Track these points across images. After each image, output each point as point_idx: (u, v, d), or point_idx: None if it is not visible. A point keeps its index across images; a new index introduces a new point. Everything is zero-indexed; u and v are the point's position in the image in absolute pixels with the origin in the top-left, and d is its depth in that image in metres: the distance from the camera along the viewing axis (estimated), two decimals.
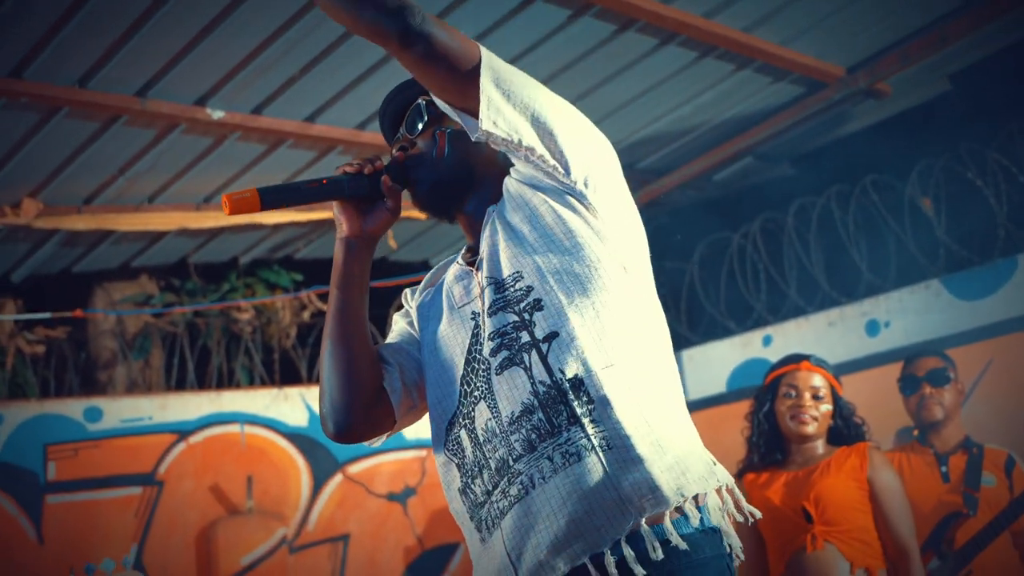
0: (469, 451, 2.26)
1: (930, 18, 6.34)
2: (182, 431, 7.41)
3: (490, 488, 2.21)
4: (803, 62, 6.52)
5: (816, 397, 4.53)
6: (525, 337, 2.20)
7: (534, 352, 2.18)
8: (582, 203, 2.31)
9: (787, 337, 7.19)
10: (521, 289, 2.24)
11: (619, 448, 2.10)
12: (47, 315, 7.25)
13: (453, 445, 2.31)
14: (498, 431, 2.19)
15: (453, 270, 2.47)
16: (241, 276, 8.60)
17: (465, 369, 2.29)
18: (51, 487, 7.06)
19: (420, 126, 2.46)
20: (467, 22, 5.67)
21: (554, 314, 2.19)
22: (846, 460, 4.43)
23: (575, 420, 2.12)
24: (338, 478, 7.63)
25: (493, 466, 2.20)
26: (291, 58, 5.83)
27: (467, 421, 2.27)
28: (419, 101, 2.47)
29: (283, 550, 7.29)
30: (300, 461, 7.57)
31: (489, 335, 2.25)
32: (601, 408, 2.12)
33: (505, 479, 2.17)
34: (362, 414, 2.38)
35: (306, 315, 8.57)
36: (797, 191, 7.69)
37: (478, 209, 2.44)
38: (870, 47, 6.59)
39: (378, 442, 2.51)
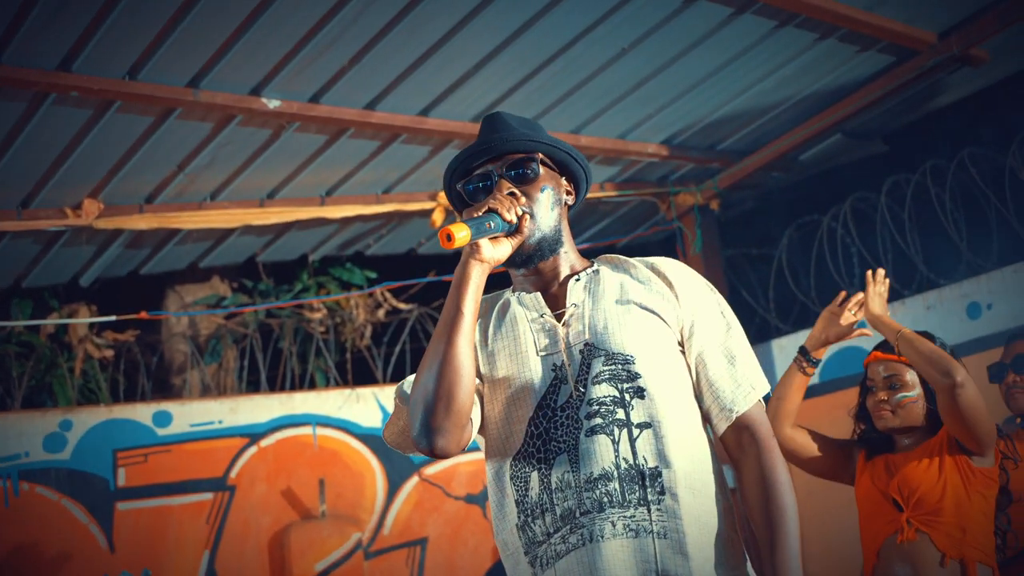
0: (535, 492, 2.50)
1: None
2: (253, 434, 7.24)
3: (551, 531, 2.47)
4: (891, 28, 6.10)
5: (893, 387, 4.16)
6: (620, 415, 2.49)
7: (625, 432, 2.48)
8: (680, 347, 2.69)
9: None
10: (630, 372, 2.53)
11: (673, 541, 2.43)
12: (112, 318, 7.10)
13: (518, 482, 2.53)
14: (573, 484, 2.46)
15: (520, 313, 2.69)
16: (313, 275, 8.42)
17: (536, 413, 2.55)
18: (121, 493, 6.95)
19: (532, 177, 2.67)
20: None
21: (653, 408, 2.51)
22: (935, 442, 4.07)
23: (644, 502, 2.44)
24: (414, 480, 7.39)
25: (559, 513, 2.47)
26: (346, 41, 5.58)
27: (542, 466, 2.50)
28: (537, 155, 2.68)
29: (358, 555, 7.07)
30: (375, 463, 7.36)
31: (588, 400, 2.51)
32: (669, 501, 2.45)
33: (568, 527, 2.45)
34: (458, 436, 2.50)
35: (381, 313, 8.36)
36: (890, 168, 7.31)
37: (559, 269, 2.72)
38: (963, 9, 6.15)
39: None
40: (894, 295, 6.97)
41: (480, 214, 2.50)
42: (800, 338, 7.42)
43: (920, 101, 7.08)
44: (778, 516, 2.49)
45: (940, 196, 6.82)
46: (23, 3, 4.91)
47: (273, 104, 5.98)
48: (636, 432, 2.48)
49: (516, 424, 2.56)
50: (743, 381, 2.64)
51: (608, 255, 2.82)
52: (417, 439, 2.49)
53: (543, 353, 2.60)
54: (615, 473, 2.44)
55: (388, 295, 8.37)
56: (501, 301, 2.75)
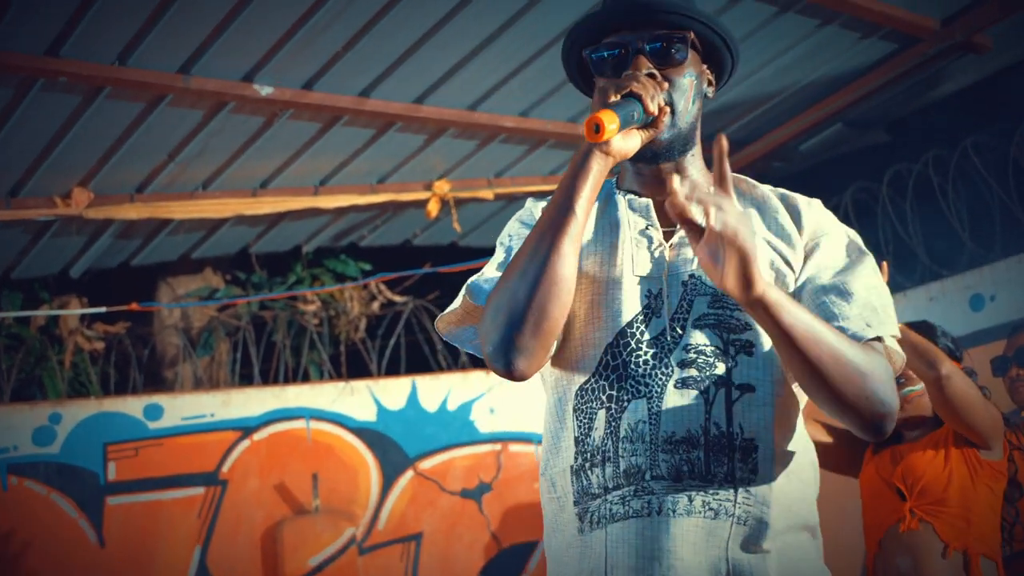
0: (599, 434, 2.10)
1: None
2: (245, 428, 7.13)
3: (609, 486, 2.07)
4: (893, 15, 6.00)
5: (898, 381, 4.05)
6: (720, 370, 2.08)
7: (723, 392, 2.07)
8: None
9: None
10: (740, 321, 2.11)
11: (752, 530, 2.04)
12: (102, 309, 7.02)
13: (582, 416, 2.13)
14: (648, 439, 2.06)
15: (626, 218, 2.23)
16: (307, 267, 8.33)
17: (615, 341, 2.12)
18: (111, 488, 6.86)
19: (679, 60, 2.19)
20: None
21: (760, 369, 2.09)
22: (942, 433, 3.99)
23: (731, 480, 2.04)
24: (409, 474, 7.28)
25: (623, 467, 2.06)
26: (339, 26, 5.50)
27: (612, 406, 2.10)
28: (689, 34, 2.19)
29: (352, 551, 6.97)
30: (369, 457, 7.25)
31: (685, 345, 2.09)
32: (760, 483, 2.05)
33: (631, 488, 2.05)
34: (542, 358, 2.09)
35: (375, 306, 8.29)
36: (891, 158, 7.18)
37: (682, 175, 2.24)
38: None
39: None
40: (896, 287, 6.89)
41: (620, 97, 2.06)
42: None
43: (922, 89, 6.99)
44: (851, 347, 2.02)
45: (943, 186, 6.73)
46: None
47: (266, 91, 5.89)
48: (736, 394, 2.07)
49: (589, 347, 2.16)
50: (856, 316, 2.11)
51: (734, 174, 2.27)
52: (493, 355, 2.07)
53: (639, 274, 2.17)
54: (702, 440, 2.04)
55: (383, 287, 8.29)
56: (605, 194, 2.30)
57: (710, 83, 2.31)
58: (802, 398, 2.17)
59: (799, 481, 2.12)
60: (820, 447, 4.26)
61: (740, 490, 2.03)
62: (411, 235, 8.32)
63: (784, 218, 2.22)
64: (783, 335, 1.94)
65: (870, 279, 2.16)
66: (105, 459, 6.85)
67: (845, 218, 7.13)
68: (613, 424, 2.09)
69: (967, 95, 7.03)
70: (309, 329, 8.06)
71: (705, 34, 2.22)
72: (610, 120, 1.99)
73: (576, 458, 2.13)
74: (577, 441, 2.13)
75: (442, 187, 7.28)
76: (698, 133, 2.28)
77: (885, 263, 4.30)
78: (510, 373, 2.07)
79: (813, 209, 2.23)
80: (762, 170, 7.80)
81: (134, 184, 6.75)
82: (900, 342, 3.89)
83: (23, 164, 6.26)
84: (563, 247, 2.03)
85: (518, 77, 6.22)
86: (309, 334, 8.05)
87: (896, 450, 4.10)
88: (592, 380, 2.13)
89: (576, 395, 2.15)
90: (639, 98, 2.07)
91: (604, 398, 2.11)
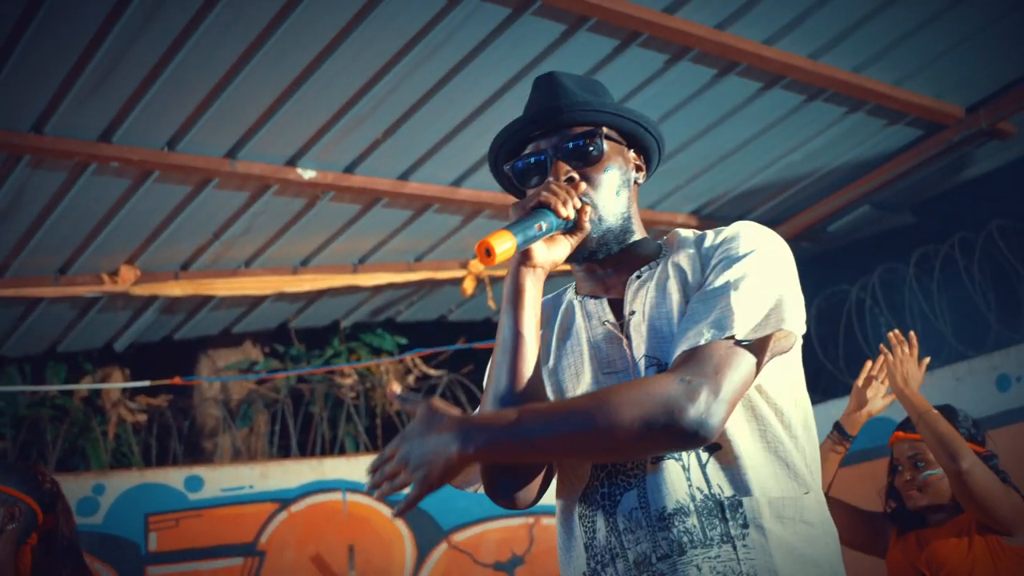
0: (602, 535, 2.09)
1: None
2: (283, 500, 7.25)
3: None
4: (919, 103, 6.17)
5: (917, 465, 4.13)
6: None
7: (694, 457, 2.05)
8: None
9: None
10: None
11: None
12: (146, 383, 7.18)
13: (587, 522, 2.12)
14: (644, 524, 2.04)
15: (583, 324, 2.23)
16: (344, 341, 8.48)
17: None
18: (152, 558, 6.96)
19: (596, 156, 2.19)
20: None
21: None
22: (965, 518, 4.05)
23: (728, 539, 2.01)
24: (443, 547, 7.37)
25: (631, 558, 2.05)
26: (380, 113, 5.69)
27: (606, 503, 2.09)
28: (601, 129, 2.20)
29: None
30: (404, 530, 7.35)
31: None
32: (755, 535, 2.01)
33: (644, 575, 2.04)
34: (535, 483, 2.13)
35: (411, 379, 8.41)
36: (918, 240, 7.30)
37: (627, 263, 2.24)
38: (990, 84, 6.22)
39: None
40: None
41: (526, 213, 2.07)
42: (828, 408, 7.40)
43: (948, 174, 7.12)
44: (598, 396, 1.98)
45: (969, 268, 6.81)
46: (66, 76, 5.03)
47: (308, 175, 6.08)
48: (704, 456, 2.04)
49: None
50: (703, 325, 2.03)
51: (683, 230, 2.31)
52: (490, 492, 2.12)
53: (607, 370, 2.14)
54: (691, 507, 2.02)
55: (418, 361, 8.42)
56: (564, 306, 2.30)
57: (639, 168, 2.30)
58: (801, 440, 2.14)
59: (798, 523, 2.07)
60: (839, 527, 4.32)
61: (739, 547, 2.00)
62: (447, 311, 8.48)
63: (696, 264, 2.18)
64: (521, 459, 2.03)
65: (738, 276, 2.08)
66: (146, 530, 6.98)
67: (873, 298, 7.24)
68: (611, 521, 2.07)
69: (992, 179, 7.13)
70: (346, 402, 8.20)
71: (618, 124, 2.24)
72: (500, 242, 1.97)
73: (588, 563, 2.11)
74: (587, 547, 2.12)
75: (477, 265, 7.44)
76: (635, 221, 2.25)
77: (912, 333, 4.37)
78: (511, 503, 2.12)
79: (717, 238, 2.19)
80: (792, 250, 7.90)
81: (179, 262, 6.94)
82: (925, 429, 3.89)
83: (73, 243, 6.45)
84: (521, 370, 2.06)
85: None
86: (346, 407, 8.19)
87: (921, 535, 4.16)
88: (590, 484, 2.12)
89: (579, 502, 2.14)
90: (548, 206, 2.07)
91: (598, 498, 2.10)
